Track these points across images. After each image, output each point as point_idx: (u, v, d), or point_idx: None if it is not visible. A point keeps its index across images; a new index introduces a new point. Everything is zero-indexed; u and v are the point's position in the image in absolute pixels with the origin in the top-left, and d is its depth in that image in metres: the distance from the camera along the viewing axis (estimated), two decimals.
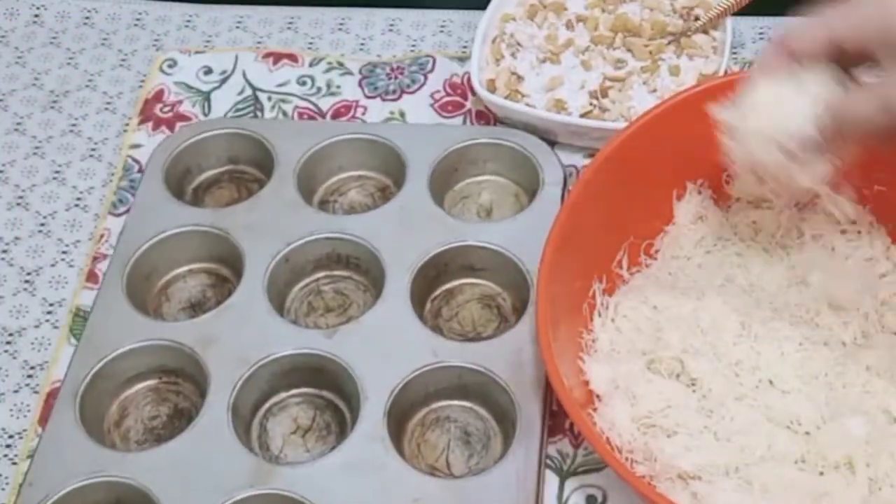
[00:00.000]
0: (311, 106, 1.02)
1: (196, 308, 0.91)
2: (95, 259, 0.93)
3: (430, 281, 0.89)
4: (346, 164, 0.97)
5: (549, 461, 0.81)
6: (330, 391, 0.85)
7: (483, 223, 0.92)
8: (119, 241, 0.92)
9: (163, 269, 0.93)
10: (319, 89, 1.04)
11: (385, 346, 0.84)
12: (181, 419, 0.85)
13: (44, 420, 0.84)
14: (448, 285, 0.91)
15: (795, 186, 0.71)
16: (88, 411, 0.84)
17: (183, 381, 0.87)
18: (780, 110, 0.69)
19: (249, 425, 0.84)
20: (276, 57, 1.06)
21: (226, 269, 0.93)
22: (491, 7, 1.02)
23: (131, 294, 0.89)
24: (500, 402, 0.82)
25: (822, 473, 0.74)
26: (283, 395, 0.86)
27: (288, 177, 0.94)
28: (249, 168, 0.99)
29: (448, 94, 1.02)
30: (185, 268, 0.93)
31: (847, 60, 0.69)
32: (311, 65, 1.05)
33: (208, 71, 1.05)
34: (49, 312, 0.92)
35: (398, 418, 0.82)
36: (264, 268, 0.89)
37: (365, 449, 0.80)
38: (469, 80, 0.99)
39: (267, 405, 0.85)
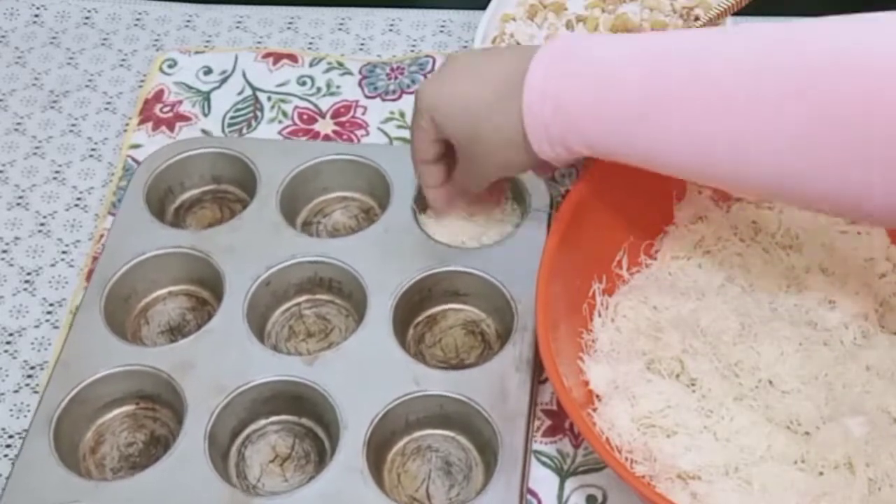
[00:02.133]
0: (310, 106, 1.02)
1: (175, 331, 0.89)
2: (95, 259, 0.93)
3: (413, 306, 0.88)
4: (330, 185, 0.96)
5: (548, 461, 0.81)
6: (309, 419, 0.84)
7: (468, 249, 0.89)
8: (98, 263, 0.90)
9: (142, 292, 0.91)
10: (319, 89, 1.04)
11: (366, 374, 0.82)
12: (158, 446, 0.83)
13: None
14: (431, 311, 0.89)
15: None
16: (63, 438, 0.81)
17: (160, 408, 0.85)
18: None
19: (227, 453, 0.83)
20: (276, 57, 1.06)
21: (206, 292, 0.91)
22: (491, 7, 1.02)
23: (109, 317, 0.87)
24: (483, 432, 0.80)
25: (821, 473, 0.74)
26: (262, 422, 0.84)
27: (271, 197, 0.92)
28: (232, 188, 0.97)
29: None
30: (165, 290, 0.91)
31: None
32: (311, 65, 1.05)
33: (208, 71, 1.05)
34: (49, 312, 0.92)
35: (378, 447, 0.80)
36: (245, 291, 0.87)
37: (343, 480, 0.78)
38: None
39: (245, 432, 0.84)
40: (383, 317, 0.85)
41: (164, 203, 0.96)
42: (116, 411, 0.85)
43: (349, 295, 0.89)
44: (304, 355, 0.85)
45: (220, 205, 0.97)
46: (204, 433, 0.80)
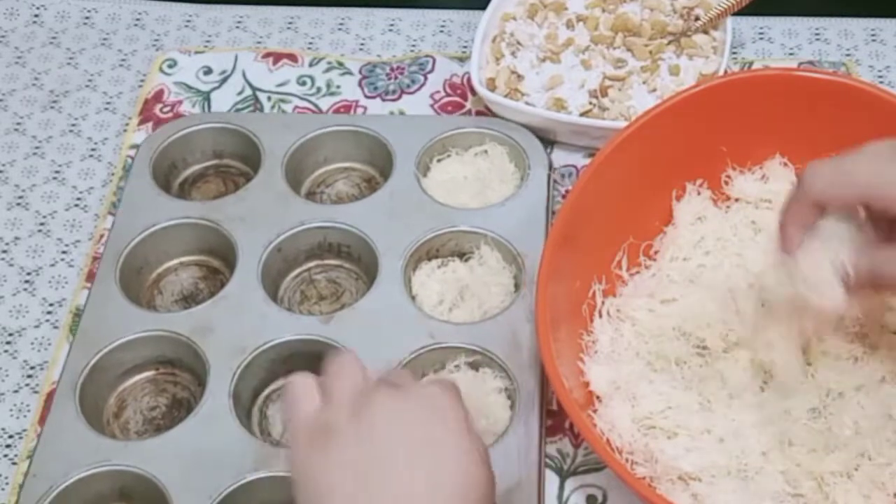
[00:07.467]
0: (310, 106, 1.02)
1: (189, 300, 0.92)
2: (95, 259, 0.93)
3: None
4: (331, 156, 0.98)
5: (548, 461, 0.81)
6: None
7: (472, 209, 0.92)
8: (110, 236, 0.92)
9: (154, 263, 0.93)
10: (319, 89, 1.04)
11: (382, 330, 0.85)
12: (180, 409, 0.86)
13: (44, 420, 0.84)
14: None
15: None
16: (87, 404, 0.84)
17: (180, 371, 0.87)
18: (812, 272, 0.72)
19: (249, 412, 0.85)
20: (276, 57, 1.06)
21: (217, 261, 0.93)
22: (491, 6, 1.02)
23: (125, 287, 0.89)
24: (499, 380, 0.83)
25: (822, 476, 0.74)
26: (282, 381, 0.86)
27: (276, 168, 0.95)
28: (234, 162, 0.99)
29: (448, 95, 1.02)
30: (177, 261, 0.94)
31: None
32: (310, 65, 1.05)
33: (208, 71, 1.05)
34: (49, 312, 0.92)
35: None
36: (257, 258, 0.89)
37: None
38: (469, 79, 0.99)
39: (266, 391, 0.86)
40: (395, 276, 0.88)
41: (168, 178, 0.98)
42: (137, 377, 0.88)
43: (358, 258, 0.91)
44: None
45: (223, 178, 0.99)
46: (228, 392, 0.83)
